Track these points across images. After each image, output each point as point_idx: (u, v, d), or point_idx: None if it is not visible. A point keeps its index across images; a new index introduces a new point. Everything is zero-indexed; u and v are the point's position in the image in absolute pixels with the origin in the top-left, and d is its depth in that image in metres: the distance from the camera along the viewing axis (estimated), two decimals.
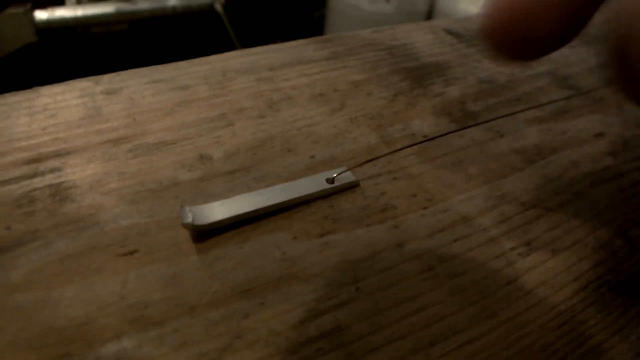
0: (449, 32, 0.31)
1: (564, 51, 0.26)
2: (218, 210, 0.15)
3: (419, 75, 0.26)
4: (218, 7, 0.98)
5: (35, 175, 0.17)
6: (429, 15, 1.02)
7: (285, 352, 0.12)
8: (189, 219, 0.14)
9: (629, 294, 0.15)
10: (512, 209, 0.18)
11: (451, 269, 0.15)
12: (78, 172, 0.17)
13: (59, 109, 0.20)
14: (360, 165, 0.18)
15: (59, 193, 0.16)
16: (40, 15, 0.84)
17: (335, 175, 0.17)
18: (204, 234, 0.15)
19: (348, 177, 0.18)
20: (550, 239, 0.17)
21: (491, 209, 0.18)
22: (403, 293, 0.14)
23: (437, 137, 0.20)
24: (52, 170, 0.17)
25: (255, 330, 0.13)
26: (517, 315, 0.14)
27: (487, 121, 0.22)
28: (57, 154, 0.18)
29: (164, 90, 0.22)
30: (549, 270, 0.16)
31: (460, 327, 0.14)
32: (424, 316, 0.14)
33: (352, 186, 0.18)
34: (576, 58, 0.29)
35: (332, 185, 0.17)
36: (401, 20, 0.98)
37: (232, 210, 0.15)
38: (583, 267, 0.16)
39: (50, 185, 0.16)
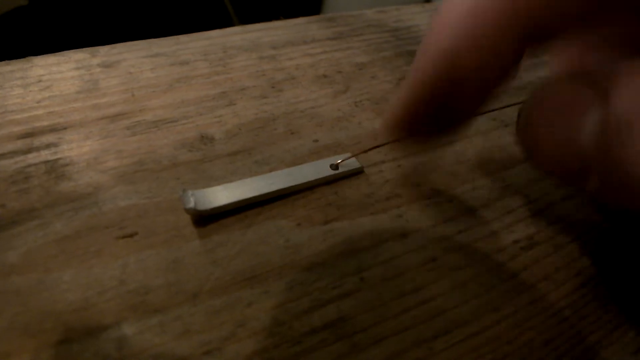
0: None
1: None
2: (221, 195, 0.15)
3: None
4: None
5: (30, 150, 0.16)
6: None
7: (289, 342, 0.12)
8: (191, 203, 0.14)
9: (629, 290, 0.15)
10: (515, 201, 0.17)
11: (454, 261, 0.15)
12: (75, 148, 0.17)
13: (53, 80, 0.19)
14: (365, 151, 0.18)
15: (55, 170, 0.16)
16: None
17: (339, 161, 0.17)
18: (206, 218, 0.15)
19: (352, 163, 0.17)
20: (552, 233, 0.17)
21: (495, 201, 0.17)
22: (407, 284, 0.14)
23: None
24: (47, 146, 0.16)
25: (258, 319, 0.12)
26: (519, 310, 0.14)
27: (492, 110, 0.22)
28: (53, 129, 0.17)
29: (163, 65, 0.21)
30: (551, 264, 0.16)
31: (463, 320, 0.13)
32: (427, 308, 0.14)
33: (356, 173, 0.17)
34: None
35: (336, 172, 0.17)
36: (399, 1, 0.96)
37: (235, 195, 0.15)
38: (585, 262, 0.16)
39: (45, 162, 0.16)
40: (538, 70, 0.26)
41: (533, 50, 0.14)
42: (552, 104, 0.13)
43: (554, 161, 0.14)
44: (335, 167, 0.17)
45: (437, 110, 0.15)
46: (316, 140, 0.19)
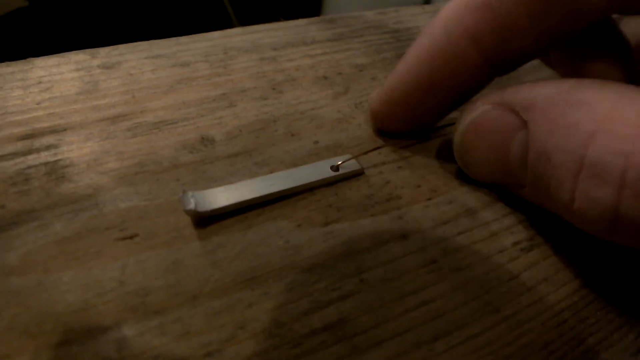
0: None
1: None
2: (221, 197, 0.15)
3: None
4: None
5: (30, 152, 0.16)
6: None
7: (289, 344, 0.12)
8: (191, 205, 0.14)
9: (630, 292, 0.15)
10: (515, 203, 0.17)
11: (455, 262, 0.15)
12: (75, 149, 0.17)
13: (54, 82, 0.19)
14: (365, 153, 0.18)
15: (55, 171, 0.16)
16: None
17: (339, 162, 0.17)
18: (206, 219, 0.15)
19: (353, 165, 0.17)
20: (553, 235, 0.17)
21: (495, 202, 0.17)
22: (407, 286, 0.14)
23: (443, 126, 0.20)
24: (47, 147, 0.16)
25: (258, 320, 0.12)
26: (519, 312, 0.14)
27: None
28: (53, 130, 0.17)
29: (163, 66, 0.21)
30: (551, 266, 0.16)
31: (463, 322, 0.13)
32: (427, 310, 0.14)
33: (356, 174, 0.17)
34: None
35: (337, 173, 0.17)
36: (399, 1, 0.96)
37: (235, 196, 0.15)
38: (585, 264, 0.16)
39: (45, 163, 0.16)
40: (539, 71, 0.26)
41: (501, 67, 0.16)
42: (482, 129, 0.15)
43: (487, 176, 0.16)
44: (335, 168, 0.17)
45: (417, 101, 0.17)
46: (316, 142, 0.19)
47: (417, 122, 0.19)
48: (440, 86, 0.16)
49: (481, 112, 0.15)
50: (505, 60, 0.15)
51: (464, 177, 0.18)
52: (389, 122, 0.19)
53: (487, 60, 0.15)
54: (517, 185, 0.15)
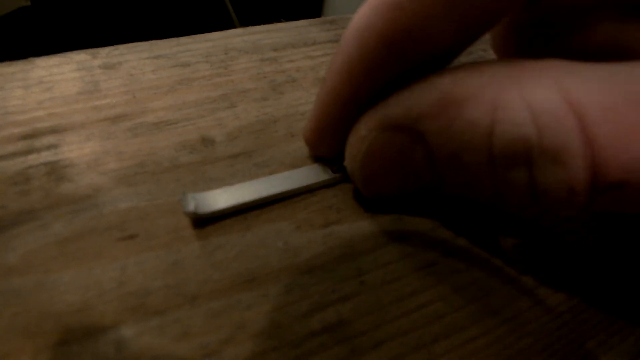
0: None
1: None
2: (221, 198, 0.15)
3: None
4: None
5: (30, 151, 0.16)
6: None
7: (288, 346, 0.12)
8: (191, 206, 0.14)
9: (629, 294, 0.15)
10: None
11: (454, 265, 0.15)
12: (75, 150, 0.17)
13: (55, 82, 0.19)
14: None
15: (56, 172, 0.16)
16: None
17: (339, 164, 0.17)
18: (205, 220, 0.15)
19: None
20: (552, 237, 0.17)
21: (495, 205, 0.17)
22: (406, 288, 0.14)
23: None
24: (48, 147, 0.16)
25: (257, 322, 0.12)
26: (518, 315, 0.14)
27: None
28: (54, 130, 0.17)
29: (164, 67, 0.21)
30: (551, 268, 0.16)
31: (463, 325, 0.13)
32: (426, 312, 0.14)
33: None
34: None
35: (337, 175, 0.17)
36: None
37: (235, 198, 0.15)
38: (585, 266, 0.16)
39: (46, 163, 0.16)
40: None
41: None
42: (377, 156, 0.14)
43: (397, 191, 0.16)
44: (335, 170, 0.17)
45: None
46: None
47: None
48: (366, 103, 0.15)
49: (370, 141, 0.14)
50: (425, 61, 0.14)
51: None
52: (323, 148, 0.17)
53: (406, 65, 0.14)
54: (433, 189, 0.15)
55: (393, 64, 0.13)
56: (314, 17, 0.29)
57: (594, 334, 0.14)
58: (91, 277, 0.13)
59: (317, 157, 0.18)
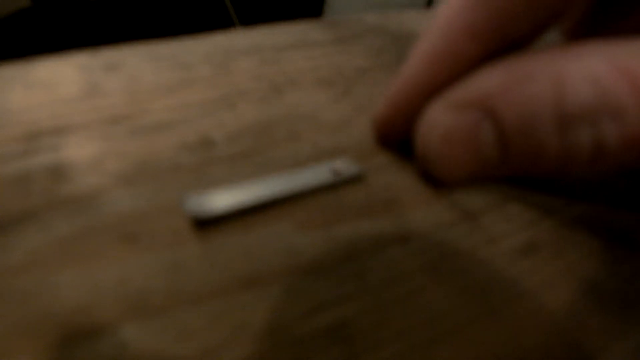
0: None
1: None
2: (221, 199, 0.15)
3: None
4: None
5: (31, 152, 0.16)
6: (431, 1, 1.01)
7: (290, 346, 0.12)
8: (191, 207, 0.14)
9: (630, 298, 0.15)
10: (516, 207, 0.18)
11: (454, 266, 0.15)
12: (76, 150, 0.17)
13: (55, 82, 0.19)
14: (366, 156, 0.18)
15: (56, 172, 0.16)
16: None
17: (340, 165, 0.17)
18: (206, 222, 0.15)
19: (353, 168, 0.17)
20: (553, 239, 0.17)
21: (495, 206, 0.17)
22: (406, 289, 0.14)
23: None
24: (48, 148, 0.16)
25: (258, 322, 0.12)
26: (518, 316, 0.14)
27: None
28: (54, 131, 0.17)
29: (165, 68, 0.21)
30: (551, 271, 0.16)
31: (463, 326, 0.13)
32: (427, 313, 0.14)
33: (356, 177, 0.17)
34: None
35: (337, 176, 0.17)
36: (402, 3, 0.97)
37: (235, 199, 0.15)
38: (585, 269, 0.16)
39: (46, 164, 0.16)
40: None
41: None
42: (451, 136, 0.15)
43: (463, 177, 0.16)
44: (336, 171, 0.17)
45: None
46: (317, 144, 0.19)
47: None
48: (445, 86, 0.16)
49: (444, 123, 0.15)
50: (505, 49, 0.16)
51: None
52: (394, 130, 0.18)
53: (489, 53, 0.15)
54: (498, 171, 0.16)
55: (475, 51, 0.15)
56: (315, 18, 0.29)
57: (594, 337, 0.14)
58: (91, 277, 0.13)
59: (383, 142, 0.19)
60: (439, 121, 0.16)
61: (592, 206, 0.18)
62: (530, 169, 0.15)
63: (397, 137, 0.19)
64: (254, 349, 0.12)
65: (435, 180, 0.17)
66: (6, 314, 0.12)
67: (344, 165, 0.17)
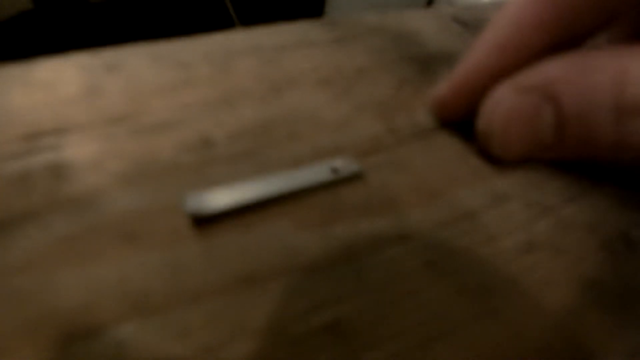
0: (457, 20, 0.31)
1: None
2: (221, 198, 0.15)
3: (426, 64, 0.25)
4: None
5: (32, 152, 0.16)
6: (431, 1, 1.01)
7: (288, 345, 0.12)
8: (191, 207, 0.14)
9: (630, 297, 0.15)
10: (515, 205, 0.18)
11: (453, 265, 0.15)
12: (77, 150, 0.17)
13: (56, 83, 0.19)
14: (365, 155, 0.18)
15: (57, 172, 0.16)
16: None
17: (339, 164, 0.17)
18: (205, 220, 0.15)
19: (352, 166, 0.17)
20: (552, 237, 0.17)
21: (495, 205, 0.17)
22: (405, 288, 0.14)
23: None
24: (49, 148, 0.16)
25: (257, 321, 0.12)
26: (518, 315, 0.14)
27: None
28: (55, 131, 0.17)
29: (165, 68, 0.21)
30: (550, 270, 0.16)
31: (463, 324, 0.14)
32: (426, 312, 0.14)
33: (356, 176, 0.17)
34: None
35: (336, 175, 0.17)
36: (402, 3, 0.97)
37: (235, 198, 0.15)
38: (584, 267, 0.16)
39: (47, 164, 0.16)
40: None
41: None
42: (514, 116, 0.17)
43: (520, 152, 0.18)
44: (335, 170, 0.17)
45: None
46: (316, 144, 0.19)
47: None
48: (509, 73, 0.17)
49: (509, 102, 0.17)
50: (569, 43, 0.17)
51: (464, 179, 0.18)
52: (454, 110, 0.20)
53: (552, 45, 0.17)
54: (550, 150, 0.17)
55: (540, 42, 0.17)
56: (315, 18, 0.29)
57: (593, 335, 0.14)
58: (92, 276, 0.13)
59: (443, 122, 0.21)
60: (504, 101, 0.17)
61: (592, 205, 0.18)
62: (583, 152, 0.16)
63: (457, 117, 0.20)
64: (253, 347, 0.12)
65: (492, 157, 0.19)
66: (6, 313, 0.12)
67: (343, 164, 0.17)
